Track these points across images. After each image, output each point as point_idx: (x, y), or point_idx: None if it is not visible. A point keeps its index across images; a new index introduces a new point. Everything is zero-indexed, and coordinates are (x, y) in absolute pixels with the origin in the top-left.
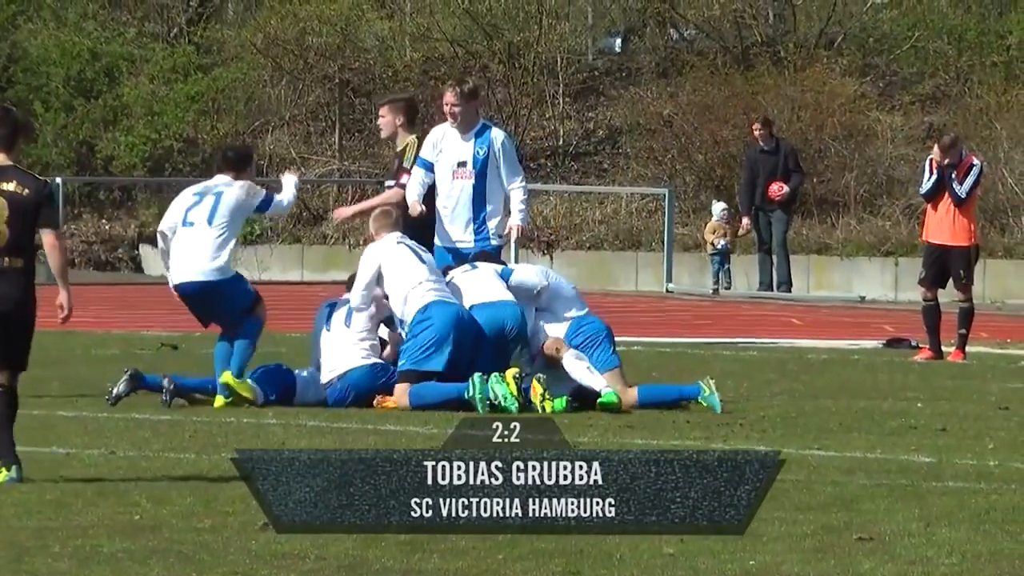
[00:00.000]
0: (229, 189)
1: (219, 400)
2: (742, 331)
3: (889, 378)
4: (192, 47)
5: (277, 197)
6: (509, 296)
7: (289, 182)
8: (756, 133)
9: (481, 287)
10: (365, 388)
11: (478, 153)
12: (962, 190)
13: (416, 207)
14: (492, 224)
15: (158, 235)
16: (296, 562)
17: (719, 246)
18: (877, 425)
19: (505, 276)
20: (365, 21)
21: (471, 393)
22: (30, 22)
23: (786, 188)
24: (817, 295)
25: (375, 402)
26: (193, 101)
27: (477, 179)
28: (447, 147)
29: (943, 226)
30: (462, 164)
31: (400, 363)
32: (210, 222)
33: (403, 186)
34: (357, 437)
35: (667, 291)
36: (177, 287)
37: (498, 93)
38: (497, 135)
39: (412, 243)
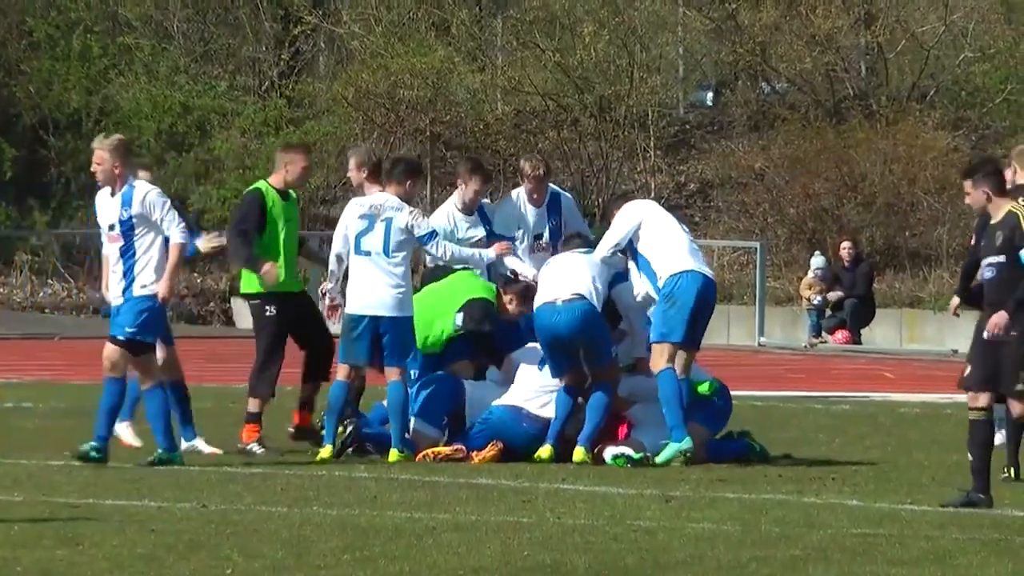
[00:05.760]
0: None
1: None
2: (834, 385)
3: None
4: (283, 100)
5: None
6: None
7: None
8: (843, 252)
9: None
10: None
11: (553, 224)
12: None
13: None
14: None
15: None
16: None
17: (815, 301)
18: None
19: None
20: (456, 75)
21: None
22: (122, 76)
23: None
24: (909, 348)
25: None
26: None
27: (555, 249)
28: (525, 222)
29: None
30: (539, 237)
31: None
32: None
33: None
34: (449, 491)
35: (759, 344)
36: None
37: (589, 146)
38: (565, 202)
39: None
